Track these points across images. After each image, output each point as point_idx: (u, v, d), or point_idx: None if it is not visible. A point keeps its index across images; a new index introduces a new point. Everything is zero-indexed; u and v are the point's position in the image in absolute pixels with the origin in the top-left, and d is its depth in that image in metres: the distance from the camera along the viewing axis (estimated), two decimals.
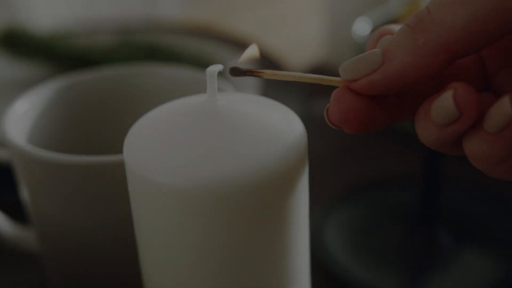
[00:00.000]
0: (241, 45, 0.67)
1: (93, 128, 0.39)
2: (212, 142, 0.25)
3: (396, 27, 0.25)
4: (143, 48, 0.58)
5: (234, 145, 0.24)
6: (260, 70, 0.25)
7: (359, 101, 0.23)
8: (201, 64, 0.58)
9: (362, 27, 0.48)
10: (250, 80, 0.55)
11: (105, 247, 0.32)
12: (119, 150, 0.27)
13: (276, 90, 0.51)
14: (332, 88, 0.24)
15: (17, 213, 0.39)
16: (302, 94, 0.51)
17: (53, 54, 0.56)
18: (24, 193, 0.34)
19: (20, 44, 0.56)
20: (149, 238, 0.27)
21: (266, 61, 0.66)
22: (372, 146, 0.53)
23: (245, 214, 0.24)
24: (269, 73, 0.25)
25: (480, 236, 0.42)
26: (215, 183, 0.24)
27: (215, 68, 0.26)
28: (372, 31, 0.48)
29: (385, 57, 0.23)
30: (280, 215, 0.26)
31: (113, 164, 0.29)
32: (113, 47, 0.58)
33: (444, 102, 0.22)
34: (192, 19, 0.83)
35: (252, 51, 0.27)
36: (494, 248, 0.41)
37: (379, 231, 0.43)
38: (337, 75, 0.24)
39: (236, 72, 0.26)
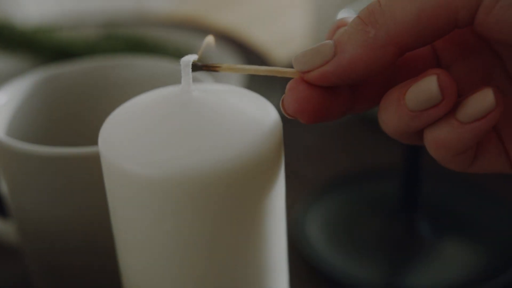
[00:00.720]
0: (227, 38, 0.67)
1: (72, 120, 0.38)
2: (187, 132, 0.25)
3: (351, 19, 0.25)
4: (127, 41, 0.58)
5: (208, 135, 0.25)
6: (216, 65, 0.25)
7: (312, 92, 0.24)
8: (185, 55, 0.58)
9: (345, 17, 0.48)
10: (233, 74, 0.55)
11: (83, 238, 0.32)
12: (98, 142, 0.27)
13: (259, 83, 0.51)
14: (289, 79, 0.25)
15: None
16: (284, 88, 0.51)
17: (36, 47, 0.56)
18: (3, 186, 0.34)
19: (3, 36, 0.56)
20: (126, 228, 0.27)
21: (252, 55, 0.66)
22: (353, 137, 0.53)
23: (220, 203, 0.25)
24: (225, 67, 0.25)
25: (461, 226, 0.42)
26: (189, 172, 0.24)
27: (190, 58, 0.26)
28: None
29: (337, 49, 0.23)
30: (256, 204, 0.26)
31: (89, 155, 0.29)
32: (97, 40, 0.57)
33: (427, 86, 0.22)
34: (179, 12, 0.83)
35: (208, 42, 0.27)
36: (474, 238, 0.41)
37: (360, 222, 0.43)
38: None
39: (193, 67, 0.26)
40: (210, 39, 0.27)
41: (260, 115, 0.26)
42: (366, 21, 0.22)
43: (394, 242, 0.41)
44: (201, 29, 0.70)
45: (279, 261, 0.28)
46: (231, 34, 0.68)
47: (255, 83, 0.53)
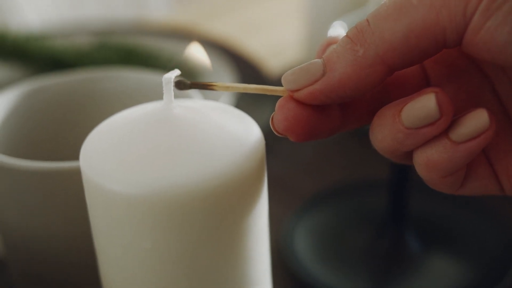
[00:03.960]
0: (221, 48, 0.67)
1: (58, 133, 0.38)
2: (167, 150, 0.25)
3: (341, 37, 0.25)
4: (120, 51, 0.57)
5: (188, 153, 0.24)
6: (212, 84, 0.25)
7: (302, 110, 0.24)
8: (177, 67, 0.58)
9: (337, 31, 0.48)
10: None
11: (66, 251, 0.32)
12: None
13: (248, 100, 0.50)
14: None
15: None
16: (274, 105, 0.51)
17: (28, 56, 0.56)
18: None
19: None
20: (106, 243, 0.26)
21: (246, 65, 0.66)
22: (343, 150, 0.53)
23: (199, 221, 0.24)
24: (221, 86, 0.25)
25: (448, 241, 0.42)
26: (168, 191, 0.23)
27: (171, 74, 0.26)
28: None
29: (327, 68, 0.23)
30: (237, 222, 0.25)
31: (71, 170, 0.29)
32: (89, 50, 0.57)
33: (426, 104, 0.22)
34: (175, 20, 0.83)
35: (194, 49, 0.26)
36: (462, 252, 0.41)
37: (348, 236, 0.43)
38: None
39: (181, 85, 0.25)
40: (194, 47, 0.26)
41: (243, 133, 0.26)
42: (355, 40, 0.22)
43: (382, 256, 0.41)
44: (195, 38, 0.70)
45: (262, 279, 0.28)
46: (225, 44, 0.68)
47: (245, 99, 0.53)
